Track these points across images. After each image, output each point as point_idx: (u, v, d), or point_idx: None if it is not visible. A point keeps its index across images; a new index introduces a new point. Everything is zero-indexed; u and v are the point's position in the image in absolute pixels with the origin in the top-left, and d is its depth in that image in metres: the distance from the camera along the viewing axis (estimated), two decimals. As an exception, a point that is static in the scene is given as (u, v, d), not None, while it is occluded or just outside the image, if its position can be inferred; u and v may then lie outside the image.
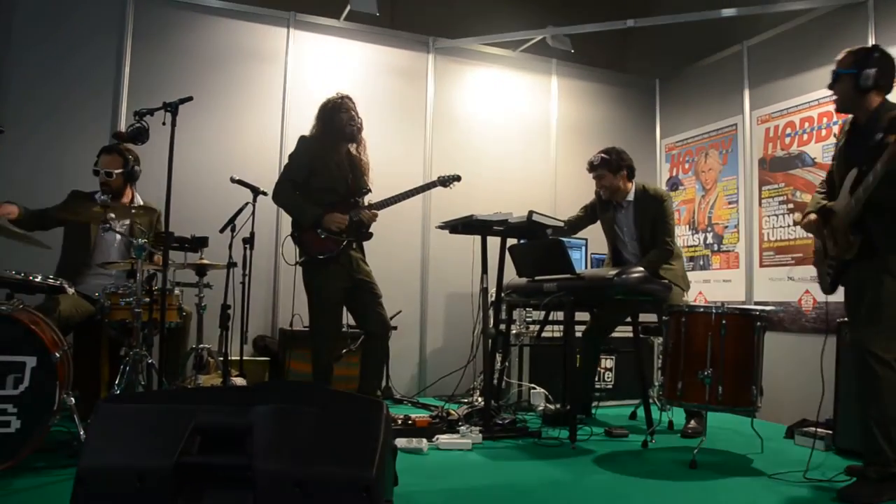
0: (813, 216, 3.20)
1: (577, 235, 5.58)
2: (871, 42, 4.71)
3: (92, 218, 3.87)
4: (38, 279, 3.34)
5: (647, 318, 4.64)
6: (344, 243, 4.15)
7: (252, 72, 5.56)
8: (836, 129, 3.30)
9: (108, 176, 4.09)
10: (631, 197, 4.52)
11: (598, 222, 4.80)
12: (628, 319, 4.41)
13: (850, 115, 3.17)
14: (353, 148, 4.32)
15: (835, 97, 3.14)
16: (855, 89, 3.02)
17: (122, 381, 3.43)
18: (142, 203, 4.25)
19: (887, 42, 4.62)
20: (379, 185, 4.46)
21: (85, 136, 4.86)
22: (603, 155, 4.48)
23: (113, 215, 3.64)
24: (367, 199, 4.34)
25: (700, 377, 3.42)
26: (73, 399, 3.02)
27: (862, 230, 2.97)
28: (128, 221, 4.19)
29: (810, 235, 3.34)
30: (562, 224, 4.52)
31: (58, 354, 2.89)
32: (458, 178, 4.59)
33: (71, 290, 3.54)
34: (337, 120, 4.20)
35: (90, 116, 5.02)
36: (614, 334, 4.94)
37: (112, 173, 4.09)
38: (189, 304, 4.27)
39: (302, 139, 4.26)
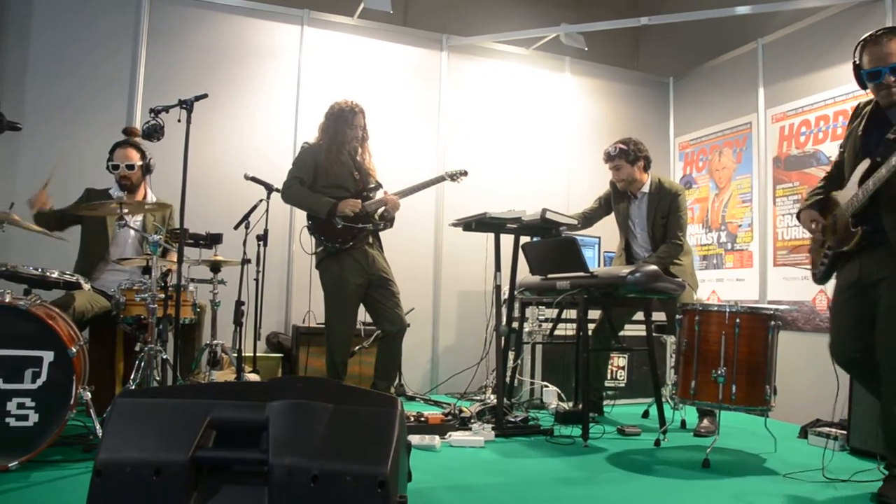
0: (804, 213, 3.18)
1: (590, 233, 5.57)
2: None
3: (107, 214, 3.91)
4: (55, 275, 3.37)
5: (659, 316, 4.63)
6: (361, 231, 4.20)
7: (266, 69, 5.59)
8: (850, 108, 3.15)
9: (129, 168, 4.11)
10: (646, 189, 4.51)
11: (612, 214, 4.79)
12: (641, 318, 4.40)
13: (873, 100, 3.00)
14: (357, 154, 4.37)
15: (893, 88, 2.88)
16: None
17: (137, 377, 3.46)
18: (154, 200, 4.28)
19: (904, 40, 4.59)
20: (392, 182, 4.49)
21: (101, 133, 4.88)
22: (620, 146, 4.48)
23: (127, 211, 3.66)
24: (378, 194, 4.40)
25: (713, 376, 3.41)
26: (89, 393, 3.06)
27: (864, 222, 2.89)
28: (141, 217, 4.23)
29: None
30: (575, 222, 4.52)
31: (74, 349, 2.92)
32: (464, 173, 4.64)
33: (87, 286, 3.57)
34: (341, 134, 4.28)
35: (106, 114, 5.06)
36: (627, 333, 4.94)
37: (133, 165, 4.13)
38: (203, 301, 4.30)
39: (305, 147, 4.35)
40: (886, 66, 2.80)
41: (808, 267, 3.28)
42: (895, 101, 2.85)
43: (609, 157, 4.53)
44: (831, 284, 3.18)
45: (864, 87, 2.97)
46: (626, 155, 4.45)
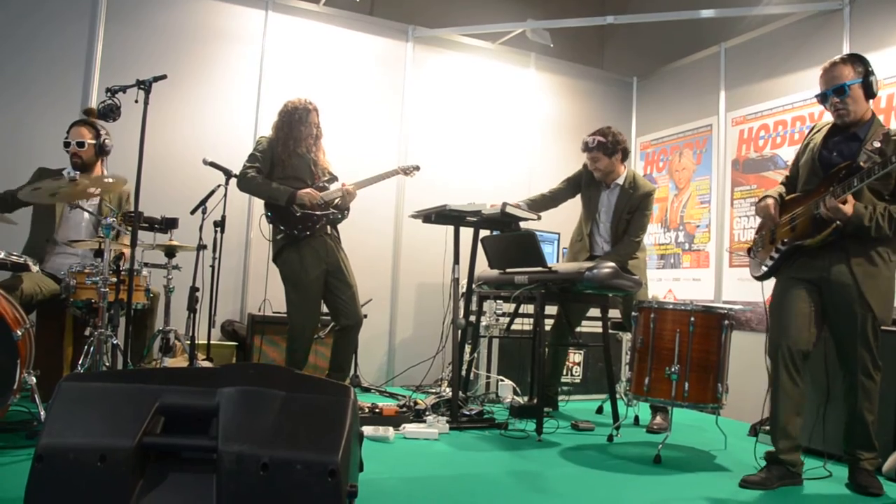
0: (770, 200, 3.24)
1: (550, 229, 5.60)
2: (845, 48, 4.78)
3: (55, 201, 3.79)
4: (1, 256, 3.27)
5: (615, 313, 4.67)
6: (320, 219, 4.21)
7: (228, 53, 5.49)
8: (812, 132, 3.31)
9: (79, 146, 4.01)
10: (621, 181, 4.46)
11: (577, 197, 4.71)
12: (598, 314, 4.42)
13: (824, 122, 3.20)
14: (311, 151, 4.38)
15: (845, 109, 3.01)
16: (867, 97, 3.03)
17: (85, 362, 3.38)
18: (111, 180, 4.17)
19: (860, 48, 4.69)
20: (352, 171, 4.48)
21: (55, 112, 4.76)
22: (599, 138, 4.38)
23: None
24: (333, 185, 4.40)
25: (667, 373, 3.45)
26: (34, 378, 2.97)
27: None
28: (97, 200, 4.12)
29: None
30: (535, 217, 4.50)
31: (19, 332, 2.84)
32: (417, 168, 4.68)
33: (35, 268, 3.48)
34: (296, 131, 4.27)
35: (62, 93, 4.91)
36: (583, 329, 4.96)
37: (84, 143, 4.02)
38: (157, 286, 4.22)
39: (262, 140, 4.33)
40: (829, 89, 3.04)
41: (750, 252, 3.40)
42: (845, 119, 3.05)
43: (587, 148, 4.43)
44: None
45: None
46: (605, 147, 4.37)
